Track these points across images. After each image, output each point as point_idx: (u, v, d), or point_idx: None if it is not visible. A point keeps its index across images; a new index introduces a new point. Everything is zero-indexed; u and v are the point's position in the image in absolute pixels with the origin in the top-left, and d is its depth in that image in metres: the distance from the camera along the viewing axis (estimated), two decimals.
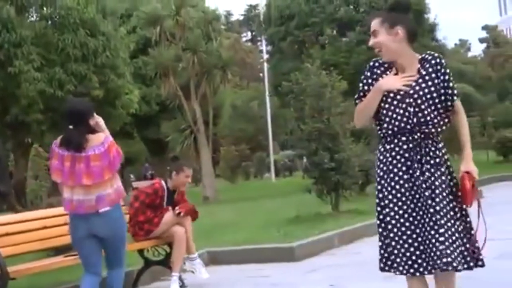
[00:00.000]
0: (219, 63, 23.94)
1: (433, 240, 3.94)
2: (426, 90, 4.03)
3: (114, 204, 5.76)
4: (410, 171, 4.06)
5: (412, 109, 4.03)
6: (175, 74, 23.40)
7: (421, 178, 4.02)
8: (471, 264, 4.06)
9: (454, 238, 3.97)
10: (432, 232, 3.95)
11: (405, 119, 4.04)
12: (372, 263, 8.00)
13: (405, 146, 4.08)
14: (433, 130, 4.05)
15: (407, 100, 4.04)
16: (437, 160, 4.06)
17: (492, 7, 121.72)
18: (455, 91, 4.10)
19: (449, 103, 4.07)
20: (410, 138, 4.06)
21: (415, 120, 4.02)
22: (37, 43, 13.61)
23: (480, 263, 4.12)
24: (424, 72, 4.08)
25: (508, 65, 52.20)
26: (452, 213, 4.00)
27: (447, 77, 4.08)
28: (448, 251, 3.91)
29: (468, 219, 4.10)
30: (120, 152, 5.84)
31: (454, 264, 3.90)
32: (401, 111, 4.06)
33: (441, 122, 4.09)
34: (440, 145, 4.10)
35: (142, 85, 25.59)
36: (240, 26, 74.09)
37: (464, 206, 4.08)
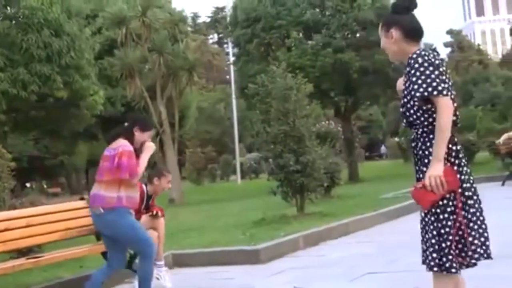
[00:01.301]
0: (185, 65, 23.90)
1: None
2: (406, 92, 4.02)
3: (109, 207, 6.09)
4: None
5: (403, 110, 4.07)
6: (141, 76, 23.32)
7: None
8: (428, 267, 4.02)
9: (426, 239, 4.04)
10: None
11: (402, 119, 4.14)
12: (336, 265, 8.07)
13: (411, 145, 4.19)
14: (420, 130, 4.03)
15: (401, 101, 4.10)
16: (426, 160, 4.03)
17: (457, 11, 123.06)
18: (418, 87, 3.94)
19: (415, 100, 3.96)
20: (413, 137, 4.13)
21: (404, 120, 4.08)
22: (0, 43, 13.47)
23: (452, 269, 3.98)
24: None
25: (472, 70, 52.93)
26: (428, 213, 4.01)
27: (412, 71, 3.98)
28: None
29: (442, 222, 3.99)
30: (132, 167, 6.10)
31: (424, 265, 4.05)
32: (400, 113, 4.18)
33: (425, 122, 4.02)
34: (429, 144, 4.04)
35: (108, 86, 25.42)
36: (207, 28, 73.95)
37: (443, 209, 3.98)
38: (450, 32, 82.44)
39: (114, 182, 6.08)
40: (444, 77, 4.07)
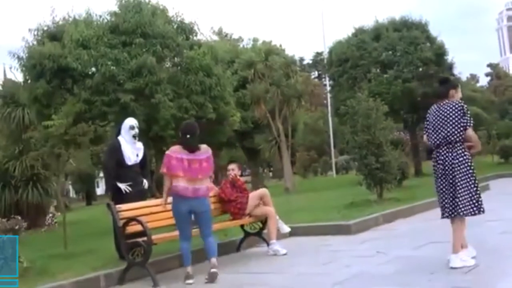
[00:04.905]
0: (295, 94, 23.93)
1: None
2: None
3: (208, 193, 6.25)
4: None
5: None
6: (264, 102, 23.53)
7: None
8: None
9: None
10: None
11: None
12: (406, 236, 7.86)
13: None
14: None
15: None
16: None
17: (494, 49, 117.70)
18: None
19: None
20: None
21: None
22: (170, 82, 13.86)
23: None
24: None
25: (507, 92, 50.52)
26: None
27: None
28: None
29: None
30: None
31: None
32: None
33: None
34: None
35: (242, 110, 25.69)
36: (310, 67, 73.78)
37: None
38: (489, 65, 78.90)
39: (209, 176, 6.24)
40: (425, 122, 5.58)
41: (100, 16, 14.29)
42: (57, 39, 13.80)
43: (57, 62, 13.12)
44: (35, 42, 14.04)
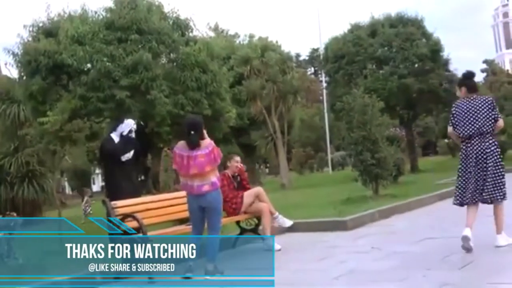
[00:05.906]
0: (291, 90, 23.94)
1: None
2: None
3: (215, 188, 6.00)
4: None
5: None
6: (260, 98, 23.53)
7: None
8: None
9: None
10: None
11: None
12: (402, 232, 7.88)
13: None
14: None
15: None
16: None
17: (490, 46, 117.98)
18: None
19: None
20: None
21: None
22: (166, 78, 13.85)
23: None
24: None
25: (503, 88, 50.67)
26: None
27: None
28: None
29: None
30: (220, 154, 6.06)
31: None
32: None
33: None
34: None
35: (238, 106, 25.65)
36: (306, 64, 73.77)
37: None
38: (485, 61, 79.04)
39: (215, 170, 6.06)
40: (451, 116, 5.88)
41: (96, 12, 14.28)
42: (52, 35, 13.77)
43: (52, 58, 13.10)
44: (30, 39, 14.01)
